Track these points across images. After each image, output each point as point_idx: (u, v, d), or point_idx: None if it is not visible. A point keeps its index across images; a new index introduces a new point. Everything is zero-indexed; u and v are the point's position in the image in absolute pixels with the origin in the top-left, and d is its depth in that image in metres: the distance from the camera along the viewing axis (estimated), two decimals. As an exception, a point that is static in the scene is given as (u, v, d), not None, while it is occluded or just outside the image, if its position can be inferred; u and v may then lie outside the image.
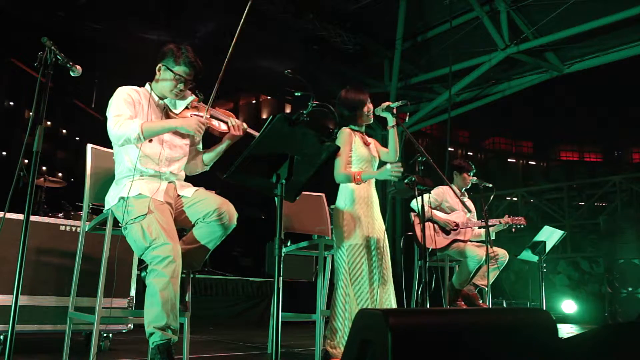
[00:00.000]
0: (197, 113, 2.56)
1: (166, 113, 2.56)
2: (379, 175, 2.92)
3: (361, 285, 2.95)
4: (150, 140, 2.46)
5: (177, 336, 2.22)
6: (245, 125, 2.58)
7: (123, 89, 2.51)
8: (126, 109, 2.42)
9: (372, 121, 3.21)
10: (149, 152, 2.46)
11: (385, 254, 3.05)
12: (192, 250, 2.47)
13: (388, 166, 2.83)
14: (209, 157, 2.70)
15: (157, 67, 2.53)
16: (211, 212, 2.38)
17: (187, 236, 2.51)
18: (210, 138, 2.66)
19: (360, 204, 3.06)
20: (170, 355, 2.15)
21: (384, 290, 3.02)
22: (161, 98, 2.57)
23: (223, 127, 2.57)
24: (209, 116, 2.57)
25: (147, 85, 2.59)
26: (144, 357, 2.85)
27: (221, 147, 2.67)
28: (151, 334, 2.16)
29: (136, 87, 2.56)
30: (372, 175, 2.98)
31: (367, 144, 3.19)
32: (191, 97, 2.61)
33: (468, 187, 4.55)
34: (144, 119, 2.46)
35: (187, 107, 2.58)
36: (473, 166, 4.52)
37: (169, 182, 2.49)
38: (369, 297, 2.95)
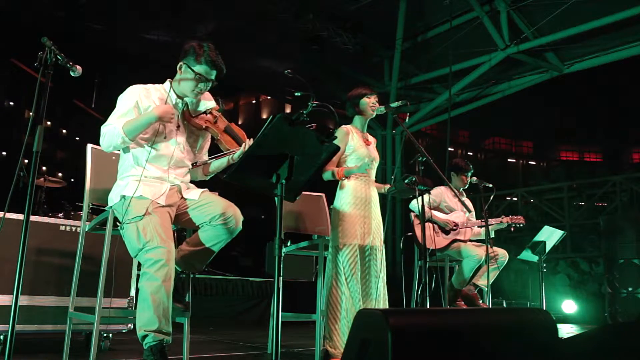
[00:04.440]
0: (211, 120, 2.54)
1: (182, 113, 2.51)
2: (357, 169, 3.04)
3: (357, 285, 2.95)
4: (165, 137, 2.44)
5: (171, 338, 2.19)
6: None
7: (132, 89, 2.46)
8: (121, 116, 2.36)
9: (374, 115, 3.23)
10: (162, 152, 2.44)
11: (381, 254, 3.06)
12: (196, 252, 2.46)
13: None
14: (212, 168, 2.68)
15: (179, 66, 2.46)
16: (218, 216, 2.37)
17: (191, 238, 2.50)
18: (217, 151, 2.64)
19: (357, 204, 3.06)
20: (163, 355, 2.13)
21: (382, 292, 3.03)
22: (180, 97, 2.51)
23: (228, 142, 2.53)
24: (223, 128, 2.54)
25: (167, 82, 2.54)
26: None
27: (222, 161, 2.63)
28: (144, 336, 2.15)
29: (149, 86, 2.51)
30: (351, 170, 3.06)
31: (367, 143, 3.19)
32: (213, 104, 2.58)
33: (466, 187, 4.55)
34: None
35: (205, 113, 2.54)
36: (471, 166, 4.51)
37: (173, 185, 2.45)
38: (363, 296, 2.96)
